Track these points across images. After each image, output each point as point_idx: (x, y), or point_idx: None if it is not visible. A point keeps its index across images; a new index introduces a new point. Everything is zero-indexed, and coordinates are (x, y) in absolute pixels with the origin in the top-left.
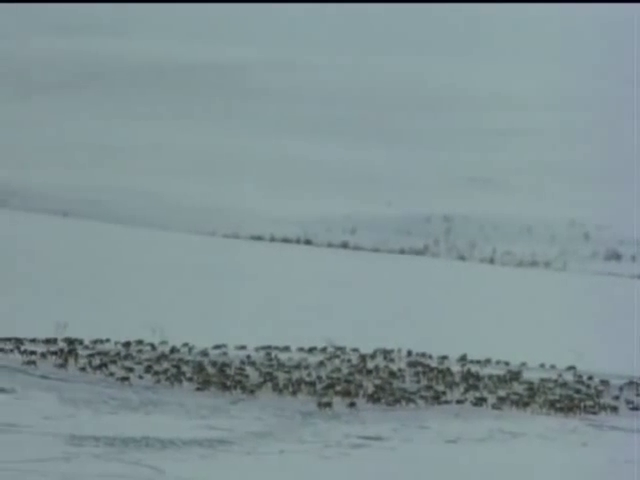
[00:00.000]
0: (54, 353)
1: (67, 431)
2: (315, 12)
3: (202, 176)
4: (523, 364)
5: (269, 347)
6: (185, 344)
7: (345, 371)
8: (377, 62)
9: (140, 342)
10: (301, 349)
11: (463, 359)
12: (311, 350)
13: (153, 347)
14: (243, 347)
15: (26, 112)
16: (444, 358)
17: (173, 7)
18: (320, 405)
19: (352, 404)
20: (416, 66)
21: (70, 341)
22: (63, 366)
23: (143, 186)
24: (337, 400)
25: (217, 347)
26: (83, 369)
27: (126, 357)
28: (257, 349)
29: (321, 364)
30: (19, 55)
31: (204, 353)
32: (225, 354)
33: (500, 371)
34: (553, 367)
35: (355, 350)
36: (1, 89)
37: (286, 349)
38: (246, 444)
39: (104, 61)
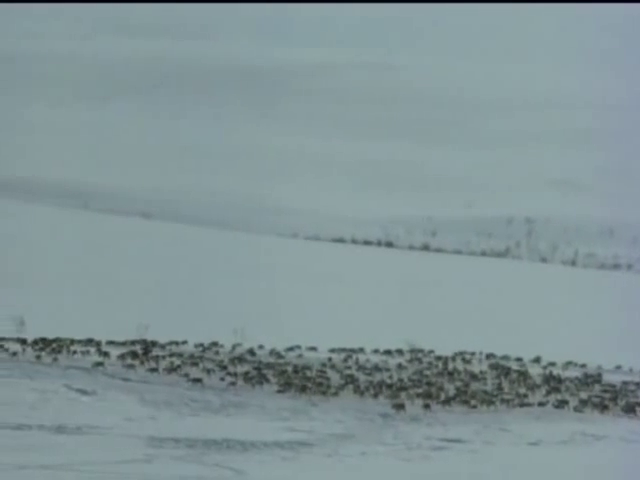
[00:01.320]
0: (134, 355)
1: (148, 433)
2: (395, 13)
3: (285, 178)
4: (600, 367)
5: (350, 349)
6: (260, 346)
7: (426, 373)
8: (454, 64)
9: (215, 344)
10: (382, 351)
11: (542, 361)
12: (392, 352)
13: (234, 348)
14: (318, 349)
15: (109, 114)
16: (526, 361)
17: (255, 8)
18: (394, 407)
19: (427, 405)
20: (491, 68)
21: (151, 343)
22: (156, 370)
23: (226, 188)
24: (418, 402)
25: (291, 349)
26: (165, 370)
27: (202, 359)
28: (337, 351)
29: (402, 366)
30: (103, 57)
31: (279, 355)
32: (309, 356)
33: (577, 373)
34: (631, 371)
35: (431, 352)
36: (85, 91)
37: (368, 351)
38: (327, 446)
39: (188, 63)
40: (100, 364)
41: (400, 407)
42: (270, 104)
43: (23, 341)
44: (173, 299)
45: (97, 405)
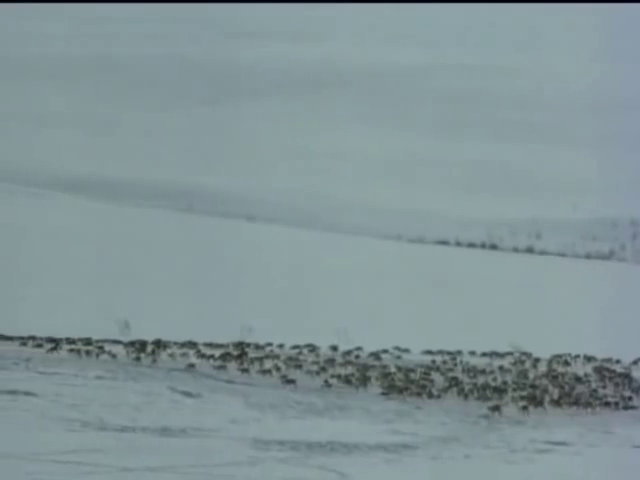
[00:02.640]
0: (239, 357)
1: (252, 435)
2: (489, 13)
3: (389, 180)
4: None
5: (455, 352)
6: (358, 347)
7: (531, 376)
8: (552, 65)
9: (310, 345)
10: (485, 354)
11: None
12: (496, 354)
13: (334, 349)
14: (429, 352)
15: (219, 116)
16: (628, 364)
17: (356, 10)
18: (490, 409)
19: (524, 407)
20: (585, 68)
21: (254, 345)
22: (246, 370)
23: (332, 190)
24: (522, 405)
25: (385, 351)
26: (266, 372)
27: (305, 361)
28: (442, 353)
29: (506, 369)
30: (213, 60)
31: (377, 357)
32: (413, 359)
33: None
34: None
35: (528, 354)
36: (194, 93)
37: (472, 354)
38: (431, 449)
39: (295, 65)
40: (192, 366)
41: (496, 409)
42: (377, 106)
43: (126, 343)
44: (277, 301)
45: (201, 407)
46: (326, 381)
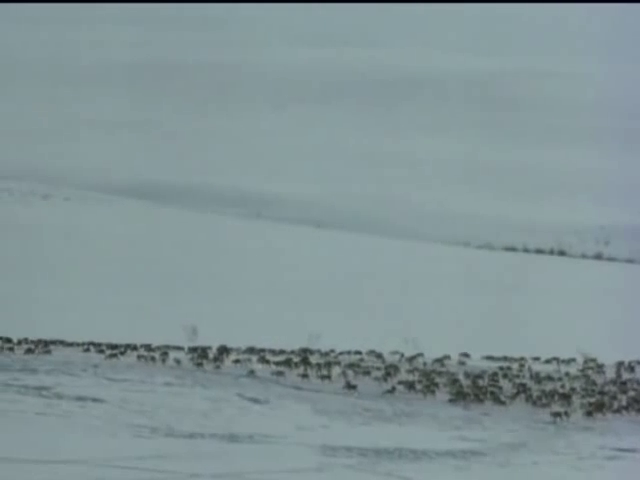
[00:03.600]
0: (302, 364)
1: (320, 442)
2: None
3: (456, 187)
4: None
5: (521, 359)
6: (419, 354)
7: (599, 382)
8: (617, 71)
9: (372, 351)
10: (552, 360)
11: None
12: (565, 362)
13: (405, 357)
14: (490, 357)
15: (284, 122)
16: None
17: (421, 15)
18: (552, 415)
19: (589, 413)
20: None
21: (324, 352)
22: (307, 377)
23: (398, 196)
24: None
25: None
26: (331, 378)
27: (373, 367)
28: (508, 359)
29: (574, 376)
30: (277, 66)
31: (441, 362)
32: (480, 365)
33: None
34: None
35: (595, 360)
36: (260, 99)
37: (537, 360)
38: (499, 455)
39: (360, 71)
40: (252, 372)
41: (563, 415)
42: (437, 112)
43: (189, 349)
44: (345, 308)
45: (269, 414)
46: (393, 387)
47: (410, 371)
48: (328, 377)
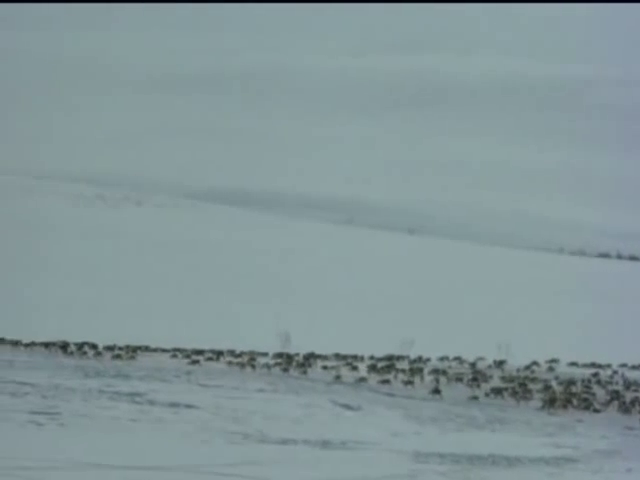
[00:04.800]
0: (402, 370)
1: (413, 448)
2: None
3: (551, 193)
4: None
5: (605, 365)
6: (503, 361)
7: None
8: None
9: (458, 358)
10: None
11: None
12: None
13: (498, 364)
14: (577, 364)
15: (378, 129)
16: None
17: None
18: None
19: None
20: None
21: (419, 358)
22: (410, 383)
23: (491, 203)
24: None
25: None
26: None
27: (465, 374)
28: (596, 366)
29: None
30: (372, 73)
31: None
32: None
33: None
34: None
35: None
36: (354, 106)
37: (624, 366)
38: (592, 462)
39: (451, 78)
40: (364, 379)
41: None
42: (532, 121)
43: (275, 355)
44: (438, 314)
45: (362, 420)
46: (486, 394)
47: (502, 378)
48: (413, 382)
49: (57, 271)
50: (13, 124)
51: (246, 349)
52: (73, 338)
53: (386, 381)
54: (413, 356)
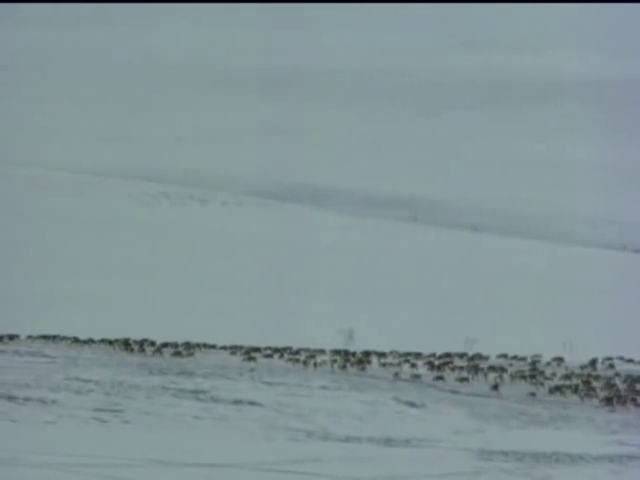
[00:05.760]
0: (460, 368)
1: (477, 446)
2: None
3: (613, 191)
4: None
5: None
6: (557, 358)
7: None
8: None
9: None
10: None
11: None
12: None
13: (557, 361)
14: (630, 360)
15: (440, 127)
16: None
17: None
18: None
19: None
20: None
21: (478, 356)
22: (466, 380)
23: (556, 200)
24: None
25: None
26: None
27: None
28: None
29: None
30: (437, 72)
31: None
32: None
33: None
34: None
35: None
36: (418, 104)
37: None
38: None
39: (512, 77)
40: (417, 376)
41: None
42: (604, 118)
43: (332, 352)
44: (500, 313)
45: (426, 418)
46: (551, 392)
47: (565, 375)
48: (469, 379)
49: (119, 268)
50: (86, 123)
51: (305, 346)
52: (133, 335)
53: (440, 377)
54: (477, 354)
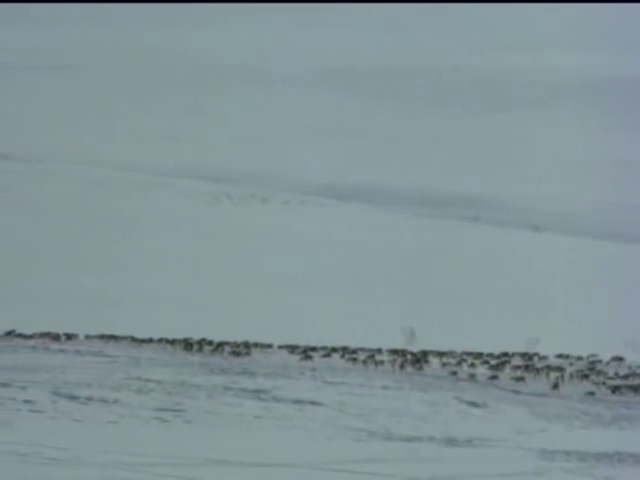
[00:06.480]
0: (520, 367)
1: (539, 446)
2: None
3: None
4: None
5: None
6: (592, 354)
7: None
8: None
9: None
10: None
11: None
12: None
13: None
14: None
15: (499, 125)
16: None
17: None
18: None
19: None
20: None
21: (536, 356)
22: (522, 379)
23: (617, 199)
24: None
25: None
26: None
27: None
28: None
29: None
30: (496, 70)
31: None
32: None
33: None
34: None
35: None
36: (477, 102)
37: None
38: None
39: (568, 75)
40: (474, 376)
41: None
42: None
43: (390, 352)
44: (564, 312)
45: (488, 418)
46: (613, 392)
47: (626, 375)
48: (525, 379)
49: (179, 267)
50: (148, 123)
51: (364, 346)
52: (190, 334)
53: (495, 377)
54: (535, 353)
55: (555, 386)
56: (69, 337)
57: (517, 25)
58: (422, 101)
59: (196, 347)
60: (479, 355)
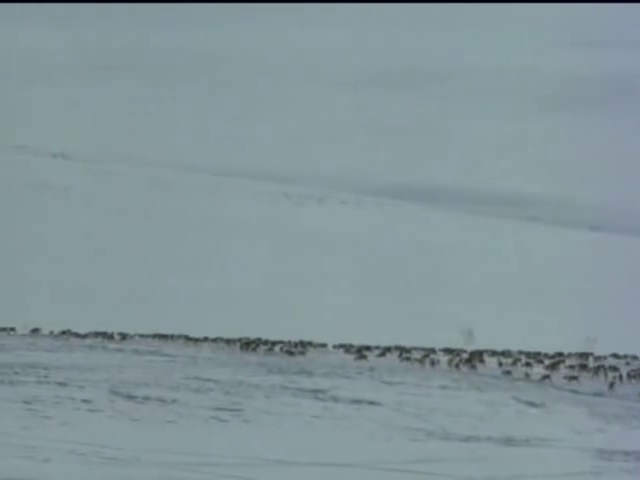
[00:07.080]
0: (571, 367)
1: (596, 446)
2: None
3: None
4: None
5: None
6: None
7: None
8: None
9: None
10: None
11: None
12: None
13: None
14: None
15: (559, 125)
16: None
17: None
18: None
19: None
20: None
21: (586, 356)
22: (575, 379)
23: None
24: None
25: None
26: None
27: None
28: None
29: None
30: (559, 69)
31: None
32: None
33: None
34: None
35: None
36: (536, 102)
37: None
38: None
39: (629, 76)
40: (547, 377)
41: None
42: None
43: (445, 352)
44: (621, 312)
45: (546, 417)
46: None
47: None
48: (578, 378)
49: (238, 267)
50: (207, 123)
51: (421, 345)
52: (246, 334)
53: (547, 377)
54: (597, 354)
55: (611, 386)
56: (123, 336)
57: (576, 24)
58: (480, 101)
59: (252, 346)
60: (535, 354)
